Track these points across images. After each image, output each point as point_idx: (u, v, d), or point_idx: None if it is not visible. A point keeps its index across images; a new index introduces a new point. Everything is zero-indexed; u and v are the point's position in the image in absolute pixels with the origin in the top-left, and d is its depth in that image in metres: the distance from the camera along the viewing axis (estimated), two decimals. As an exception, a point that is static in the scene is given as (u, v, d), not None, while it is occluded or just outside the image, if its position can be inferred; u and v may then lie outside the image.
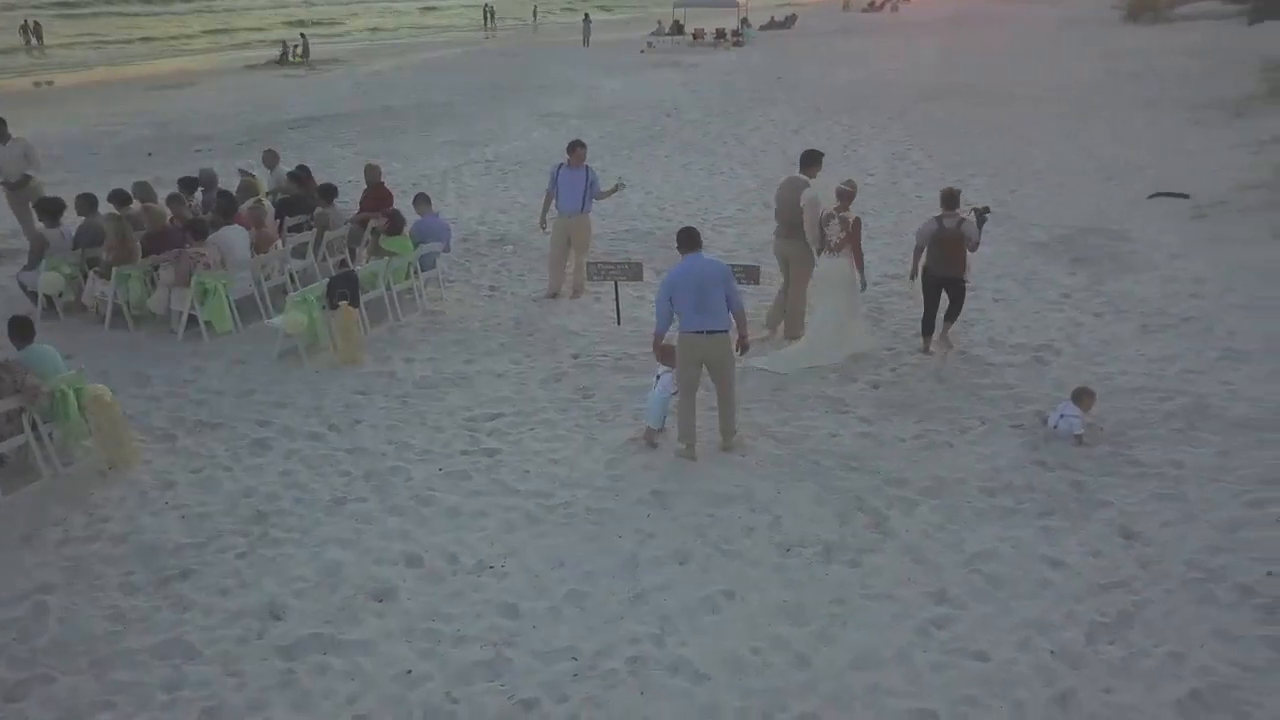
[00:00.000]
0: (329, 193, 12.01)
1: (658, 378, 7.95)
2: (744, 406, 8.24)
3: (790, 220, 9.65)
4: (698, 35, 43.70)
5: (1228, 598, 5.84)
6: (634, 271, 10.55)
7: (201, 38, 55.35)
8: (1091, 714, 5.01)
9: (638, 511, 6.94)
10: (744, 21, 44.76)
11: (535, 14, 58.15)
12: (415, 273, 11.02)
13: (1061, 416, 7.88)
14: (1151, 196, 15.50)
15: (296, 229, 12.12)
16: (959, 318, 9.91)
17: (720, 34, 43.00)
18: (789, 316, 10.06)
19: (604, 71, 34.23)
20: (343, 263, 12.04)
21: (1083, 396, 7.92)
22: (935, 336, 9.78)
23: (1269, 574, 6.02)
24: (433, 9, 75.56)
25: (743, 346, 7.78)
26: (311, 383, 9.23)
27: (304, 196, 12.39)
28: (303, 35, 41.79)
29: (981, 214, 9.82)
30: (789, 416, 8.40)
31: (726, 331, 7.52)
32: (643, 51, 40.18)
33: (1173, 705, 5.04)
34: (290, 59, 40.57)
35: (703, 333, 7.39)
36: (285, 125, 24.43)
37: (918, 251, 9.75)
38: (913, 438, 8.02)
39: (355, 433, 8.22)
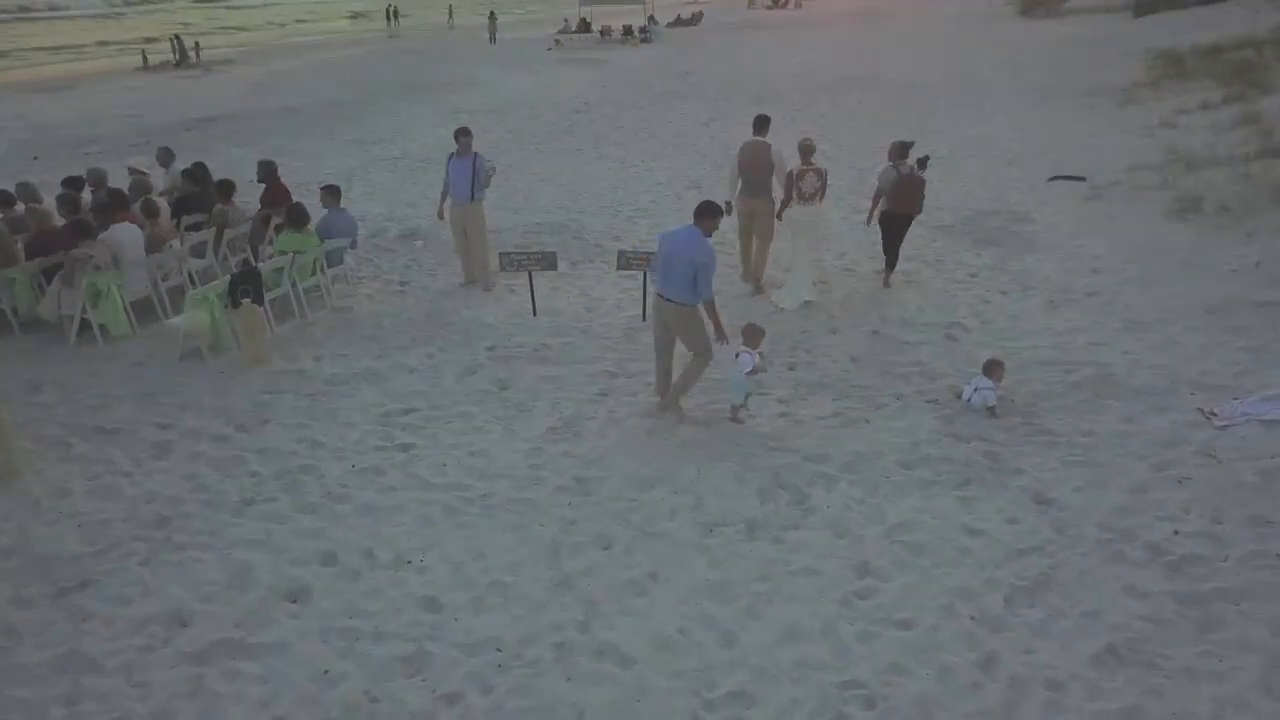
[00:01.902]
0: (227, 189, 11.59)
1: (736, 356, 7.86)
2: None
3: (759, 179, 10.64)
4: (605, 32, 43.66)
5: (1138, 556, 6.01)
6: (548, 261, 10.43)
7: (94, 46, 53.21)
8: (1014, 675, 5.09)
9: (559, 499, 6.84)
10: (651, 19, 44.89)
11: (451, 13, 57.28)
12: (322, 269, 10.71)
13: (975, 390, 8.04)
14: (1051, 180, 15.97)
15: (194, 228, 11.68)
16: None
17: (627, 31, 43.05)
18: (758, 261, 11.12)
19: (512, 68, 33.94)
20: (245, 261, 11.66)
21: (994, 368, 8.09)
22: (888, 278, 11.17)
23: (1175, 533, 6.22)
24: (356, 14, 74.08)
25: (718, 335, 7.80)
26: (216, 384, 8.88)
27: (201, 194, 11.94)
28: (176, 38, 39.96)
29: (923, 162, 10.98)
30: (707, 401, 8.39)
31: (681, 304, 7.66)
32: (550, 49, 39.99)
33: (1089, 661, 5.15)
34: (181, 60, 39.30)
35: (661, 296, 7.80)
36: (180, 127, 23.61)
37: (878, 195, 10.88)
38: (830, 415, 8.09)
39: (264, 432, 7.93)
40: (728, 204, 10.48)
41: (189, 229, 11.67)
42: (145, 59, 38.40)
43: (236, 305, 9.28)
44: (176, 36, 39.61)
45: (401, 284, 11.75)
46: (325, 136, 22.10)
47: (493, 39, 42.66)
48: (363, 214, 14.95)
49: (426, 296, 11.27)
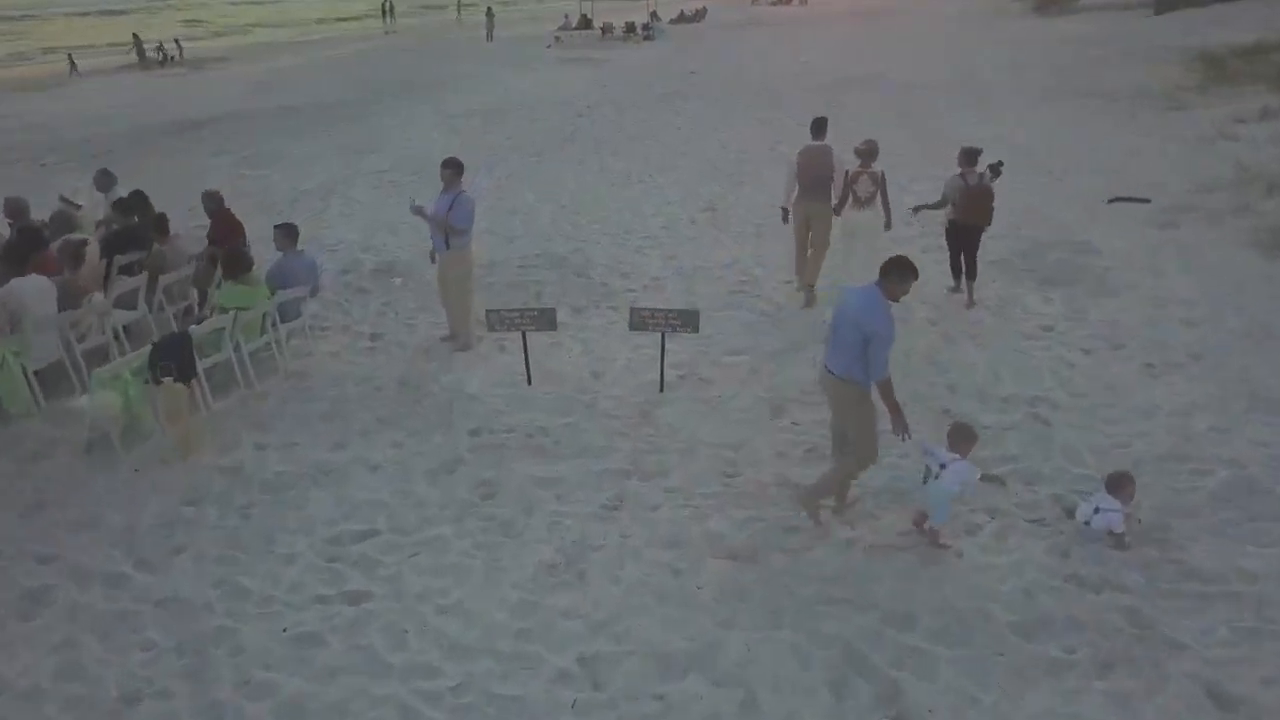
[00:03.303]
0: (163, 225, 9.62)
1: (941, 466, 5.93)
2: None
3: (818, 182, 10.08)
4: (606, 30, 41.52)
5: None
6: (546, 319, 8.45)
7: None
8: None
9: (556, 696, 4.89)
10: (653, 15, 42.65)
11: (459, 8, 55.03)
12: (274, 324, 8.75)
13: (1097, 511, 6.08)
14: (1111, 201, 13.98)
15: (129, 270, 9.71)
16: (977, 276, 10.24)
17: (630, 28, 40.89)
18: (812, 265, 10.46)
19: (510, 68, 31.84)
20: (188, 310, 9.70)
21: (1122, 484, 6.12)
22: (959, 285, 10.38)
23: None
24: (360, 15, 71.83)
25: (896, 427, 5.90)
26: (127, 488, 6.93)
27: (137, 228, 9.95)
28: (135, 35, 37.46)
29: (995, 169, 10.26)
30: (750, 516, 6.45)
31: (845, 381, 5.91)
32: (549, 47, 37.84)
33: None
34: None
35: (825, 368, 6.16)
36: (160, 131, 21.57)
37: (946, 205, 10.34)
38: (909, 546, 6.14)
39: (172, 571, 5.97)
40: (784, 210, 10.49)
41: (123, 270, 9.71)
42: (142, 53, 36.15)
43: (159, 381, 7.32)
44: (135, 35, 37.00)
45: (373, 338, 9.76)
46: (311, 141, 20.08)
47: (490, 36, 40.46)
48: (336, 242, 12.98)
49: (402, 355, 9.29)
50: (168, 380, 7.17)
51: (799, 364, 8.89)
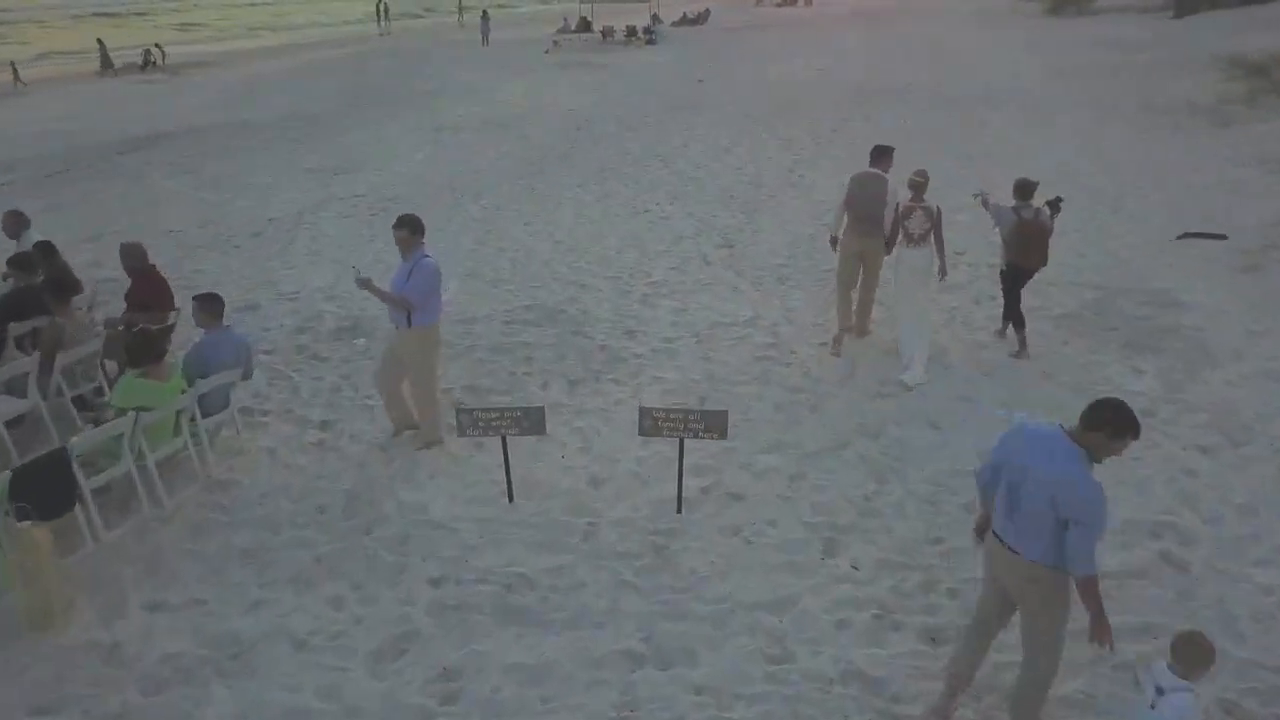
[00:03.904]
0: (65, 290, 7.75)
1: (1158, 692, 3.96)
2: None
3: (871, 216, 9.01)
4: (607, 34, 39.62)
5: None
6: (532, 422, 6.57)
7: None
8: None
9: None
10: (655, 18, 40.64)
11: (461, 10, 53.22)
12: (193, 420, 6.91)
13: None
14: (1180, 238, 12.13)
15: (21, 345, 7.86)
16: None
17: (631, 32, 38.97)
18: (862, 310, 9.48)
19: (505, 74, 29.93)
20: (97, 391, 7.86)
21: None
22: (1010, 331, 9.20)
23: None
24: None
25: (1096, 632, 4.08)
26: (-43, 679, 5.08)
27: (40, 290, 8.07)
28: (100, 41, 35.10)
29: (1055, 205, 9.01)
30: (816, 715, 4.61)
31: (1034, 565, 4.17)
32: (547, 52, 35.86)
33: None
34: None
35: (999, 539, 4.36)
36: (114, 148, 19.68)
37: (1004, 245, 9.02)
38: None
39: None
40: (832, 239, 9.41)
41: (19, 342, 7.87)
42: (108, 60, 34.00)
43: (19, 519, 5.46)
44: (100, 41, 34.64)
45: (322, 426, 7.87)
46: (282, 161, 18.20)
47: (485, 40, 38.47)
48: (296, 289, 11.13)
49: (354, 454, 7.41)
50: (25, 524, 5.31)
51: (847, 468, 7.07)
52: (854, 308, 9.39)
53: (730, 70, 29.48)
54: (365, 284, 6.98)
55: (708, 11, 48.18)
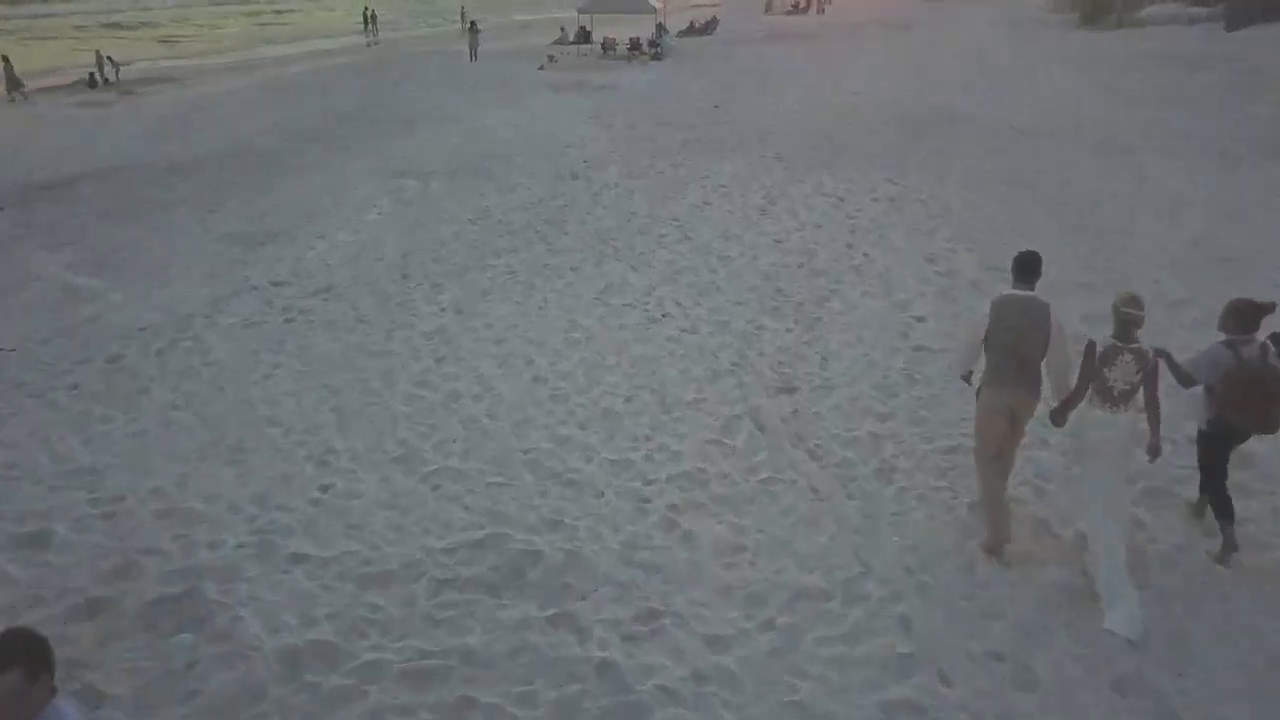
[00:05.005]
0: None
1: None
2: None
3: (1028, 361, 5.85)
4: (608, 46, 35.34)
5: None
6: None
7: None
8: None
9: None
10: (659, 28, 36.13)
11: (464, 17, 48.78)
12: None
13: None
14: None
15: None
16: None
17: (634, 46, 34.63)
18: (993, 506, 5.99)
19: (491, 96, 25.68)
20: None
21: None
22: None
23: None
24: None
25: None
26: None
27: None
28: (4, 59, 28.79)
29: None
30: None
31: None
32: (541, 68, 31.48)
33: None
34: (96, 81, 30.99)
35: None
36: (-10, 201, 15.40)
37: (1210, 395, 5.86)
38: None
39: None
40: (966, 377, 6.32)
41: None
42: (13, 81, 28.46)
43: None
44: (4, 58, 28.72)
45: None
46: (195, 224, 13.96)
47: (473, 55, 33.96)
48: (123, 491, 6.89)
49: None
50: None
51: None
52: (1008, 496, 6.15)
53: (749, 92, 25.23)
54: None
55: (715, 20, 43.97)
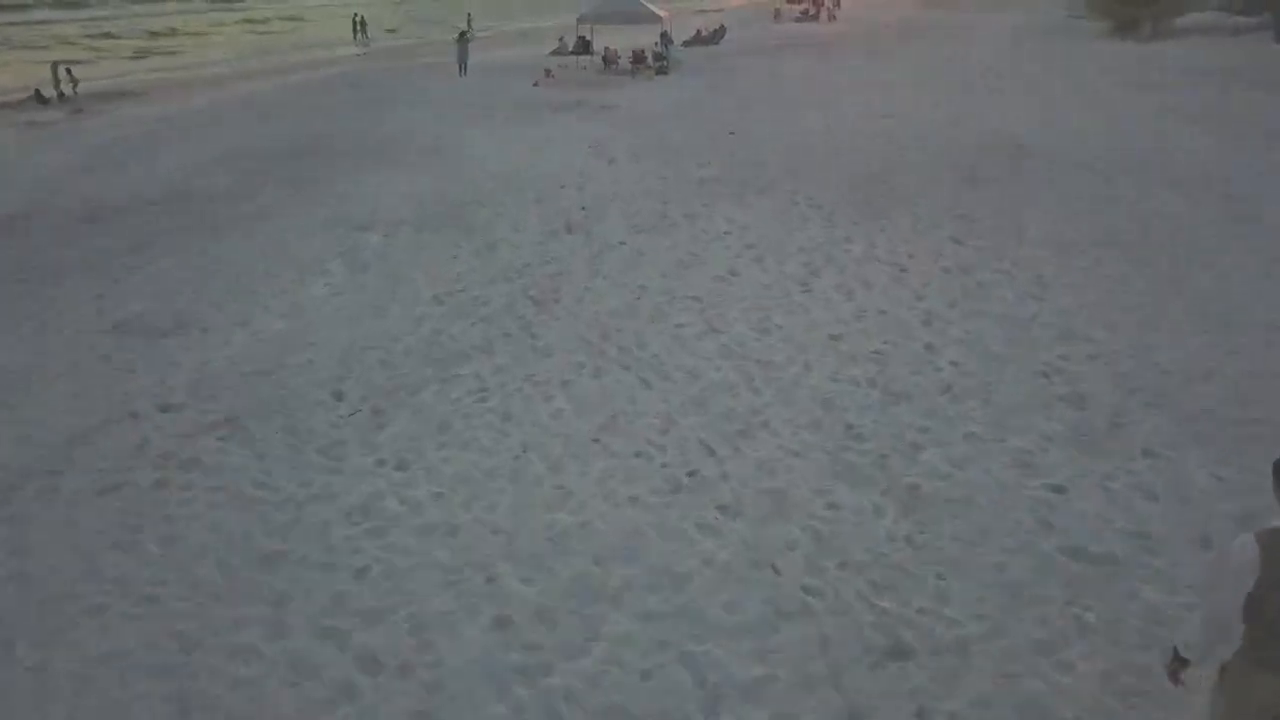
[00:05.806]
0: None
1: None
2: None
3: None
4: (610, 59, 32.17)
5: None
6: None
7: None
8: None
9: None
10: (664, 37, 32.87)
11: (470, 23, 45.60)
12: None
13: None
14: None
15: None
16: None
17: (638, 59, 31.40)
18: None
19: (479, 117, 22.55)
20: None
21: None
22: None
23: None
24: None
25: None
26: None
27: None
28: None
29: None
30: None
31: None
32: (536, 84, 28.30)
33: None
34: (45, 97, 27.84)
35: None
36: None
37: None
38: None
39: None
40: (1178, 669, 3.61)
41: None
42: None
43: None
44: None
45: None
46: (85, 303, 10.85)
47: (463, 69, 30.64)
48: None
49: None
50: None
51: None
52: None
53: (767, 112, 22.09)
54: None
55: (723, 29, 40.77)
